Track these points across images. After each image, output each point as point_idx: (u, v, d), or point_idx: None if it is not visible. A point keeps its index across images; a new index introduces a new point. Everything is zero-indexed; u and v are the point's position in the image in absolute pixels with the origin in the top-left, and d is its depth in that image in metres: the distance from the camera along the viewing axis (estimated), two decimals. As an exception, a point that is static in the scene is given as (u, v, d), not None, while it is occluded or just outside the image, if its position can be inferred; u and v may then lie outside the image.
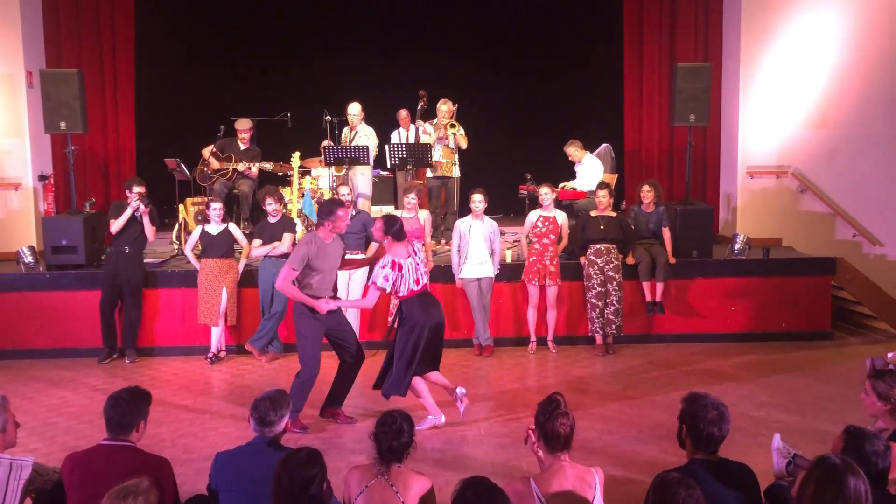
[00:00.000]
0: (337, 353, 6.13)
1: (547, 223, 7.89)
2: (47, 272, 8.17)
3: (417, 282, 5.81)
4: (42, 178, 9.69)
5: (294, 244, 7.90)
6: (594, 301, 7.88)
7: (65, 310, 8.04)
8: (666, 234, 8.24)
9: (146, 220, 7.75)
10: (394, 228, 5.81)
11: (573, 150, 9.42)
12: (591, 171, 9.35)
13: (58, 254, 8.18)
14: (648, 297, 8.11)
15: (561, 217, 8.00)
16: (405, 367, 5.75)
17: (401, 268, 5.71)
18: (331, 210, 5.90)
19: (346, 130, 9.34)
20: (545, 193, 7.93)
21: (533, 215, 7.99)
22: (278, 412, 3.68)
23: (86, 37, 10.19)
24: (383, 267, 5.69)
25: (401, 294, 5.78)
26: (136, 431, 3.65)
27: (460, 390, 5.94)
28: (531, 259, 7.90)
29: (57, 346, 7.99)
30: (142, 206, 7.68)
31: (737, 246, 8.71)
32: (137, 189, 7.75)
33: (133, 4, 10.38)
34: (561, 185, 9.14)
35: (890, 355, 6.89)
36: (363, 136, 9.28)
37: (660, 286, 8.06)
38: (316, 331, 5.88)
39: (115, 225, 7.72)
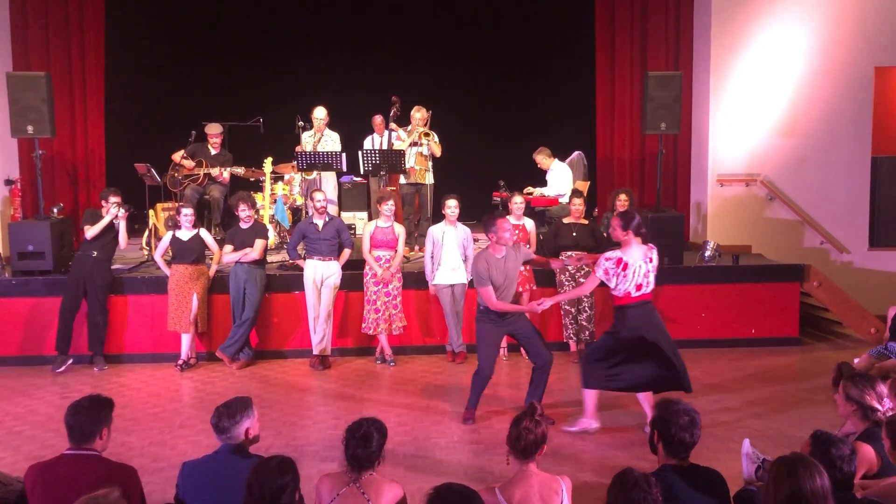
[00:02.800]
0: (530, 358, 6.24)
1: (517, 231, 7.92)
2: (13, 278, 8.03)
3: (639, 287, 5.65)
4: (9, 182, 9.53)
5: (266, 250, 7.86)
6: (567, 307, 7.92)
7: (31, 316, 7.90)
8: (637, 241, 8.29)
9: (122, 227, 7.70)
10: (633, 223, 5.73)
11: (541, 158, 9.50)
12: (559, 178, 9.42)
13: (24, 259, 8.03)
14: (620, 304, 8.15)
15: (530, 224, 8.05)
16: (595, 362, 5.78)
17: (626, 266, 5.61)
18: (491, 222, 5.90)
19: (307, 135, 9.32)
20: (518, 203, 7.97)
21: (503, 224, 8.01)
22: (233, 419, 3.60)
23: (54, 39, 10.04)
24: (608, 259, 5.65)
25: (617, 294, 5.70)
26: (100, 439, 3.58)
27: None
28: (504, 266, 7.90)
29: (22, 354, 7.85)
30: (121, 212, 7.63)
31: (707, 253, 8.80)
32: (115, 199, 7.69)
33: (103, 7, 10.26)
34: (527, 191, 9.17)
35: (857, 361, 7.02)
36: (330, 140, 9.28)
37: (631, 293, 8.10)
38: (493, 335, 6.04)
39: (92, 231, 7.60)
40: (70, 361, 7.67)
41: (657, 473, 3.37)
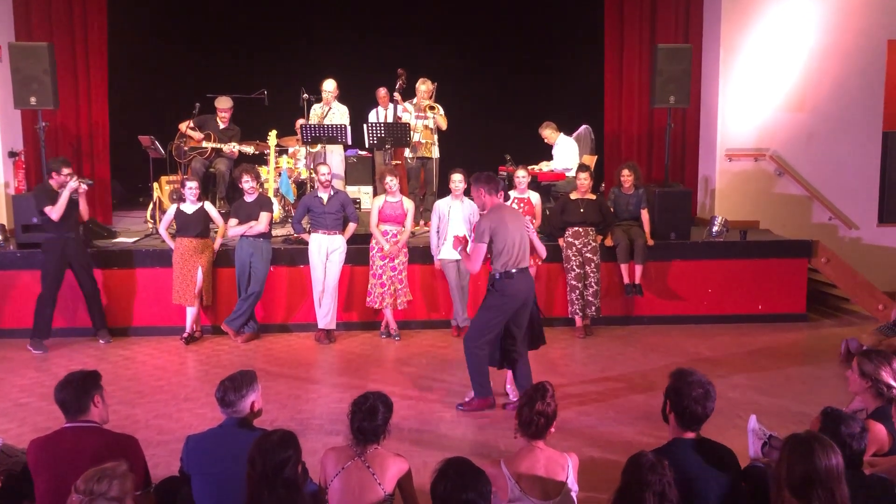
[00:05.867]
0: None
1: (522, 204, 7.87)
2: (18, 251, 8.02)
3: None
4: (12, 154, 9.47)
5: (271, 223, 7.83)
6: (573, 283, 7.89)
7: (36, 289, 7.87)
8: (644, 216, 8.25)
9: (83, 200, 7.36)
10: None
11: (548, 132, 9.43)
12: (565, 152, 9.35)
13: (28, 232, 8.01)
14: (626, 280, 8.13)
15: (535, 198, 7.99)
16: None
17: None
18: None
19: (317, 107, 9.24)
20: (522, 176, 7.90)
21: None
22: (238, 392, 3.58)
23: (56, 9, 9.91)
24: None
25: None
26: (95, 407, 3.56)
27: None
28: (510, 241, 7.86)
29: (28, 326, 7.84)
30: (83, 185, 7.31)
31: (714, 228, 8.74)
32: (67, 170, 7.32)
33: (105, -24, 10.14)
34: (532, 167, 9.09)
35: (864, 336, 6.99)
36: (338, 113, 9.19)
37: (638, 268, 8.08)
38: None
39: (56, 211, 7.17)
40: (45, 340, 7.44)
41: (668, 448, 3.35)
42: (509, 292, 5.58)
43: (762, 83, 9.83)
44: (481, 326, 5.69)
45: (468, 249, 5.71)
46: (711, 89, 10.10)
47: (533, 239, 5.92)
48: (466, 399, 5.90)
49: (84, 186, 7.34)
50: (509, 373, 5.94)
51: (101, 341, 7.70)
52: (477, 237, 5.60)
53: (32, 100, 8.25)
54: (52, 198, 7.27)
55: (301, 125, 8.93)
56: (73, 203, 7.31)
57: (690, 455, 3.32)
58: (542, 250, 6.20)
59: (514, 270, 5.57)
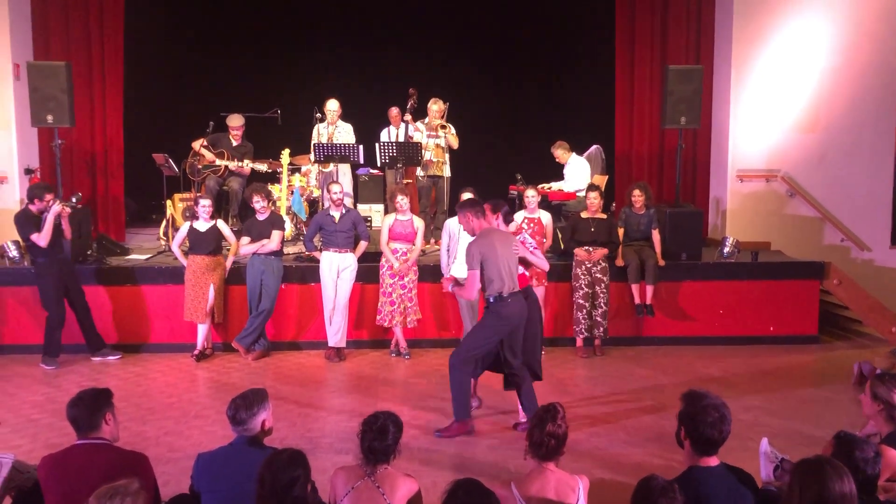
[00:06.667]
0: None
1: (532, 224, 7.88)
2: (32, 267, 8.07)
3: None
4: (28, 171, 9.57)
5: (283, 241, 7.87)
6: (580, 302, 7.88)
7: (49, 305, 7.94)
8: (655, 236, 8.25)
9: (65, 221, 7.39)
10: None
11: (560, 152, 9.47)
12: (577, 172, 9.38)
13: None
14: (637, 300, 8.11)
15: (546, 218, 7.99)
16: None
17: None
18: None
19: (321, 126, 9.33)
20: (531, 196, 7.92)
21: (518, 217, 7.98)
22: (249, 410, 3.58)
23: (74, 29, 10.07)
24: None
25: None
26: (107, 425, 3.58)
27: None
28: (520, 261, 7.86)
29: (41, 343, 7.89)
30: (66, 208, 7.36)
31: (726, 249, 8.72)
32: (49, 195, 7.33)
33: (122, -3, 10.29)
34: (541, 186, 9.11)
35: (876, 360, 6.94)
36: (344, 131, 9.29)
37: (650, 289, 8.06)
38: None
39: (44, 238, 7.21)
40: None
41: (685, 476, 3.27)
42: (504, 314, 5.59)
43: (774, 104, 9.84)
44: (471, 344, 5.71)
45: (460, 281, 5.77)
46: (722, 110, 10.11)
47: (527, 256, 5.89)
48: (445, 425, 5.84)
49: (68, 209, 7.40)
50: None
51: (109, 358, 7.71)
52: (469, 264, 5.62)
53: (49, 118, 8.36)
54: (36, 224, 7.28)
55: (315, 144, 9.02)
56: (56, 226, 7.33)
57: (708, 482, 3.22)
58: (544, 263, 6.18)
59: (506, 295, 5.58)
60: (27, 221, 7.30)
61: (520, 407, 5.96)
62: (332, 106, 9.34)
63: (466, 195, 7.66)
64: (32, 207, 7.33)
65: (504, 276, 5.56)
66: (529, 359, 5.84)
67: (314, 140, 9.26)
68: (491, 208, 5.89)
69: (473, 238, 5.73)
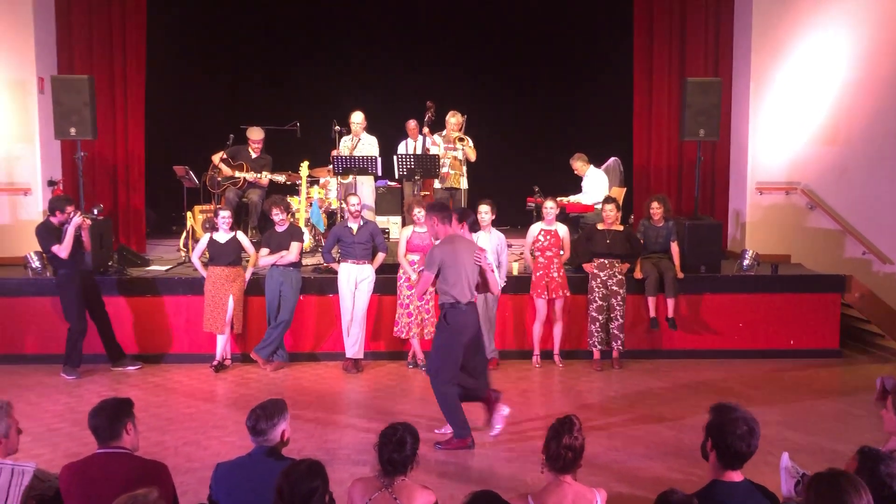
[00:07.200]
0: None
1: (548, 237, 7.87)
2: (54, 278, 8.16)
3: None
4: (51, 183, 9.70)
5: (301, 253, 7.91)
6: (594, 314, 7.85)
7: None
8: (674, 248, 8.21)
9: (85, 233, 7.51)
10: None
11: (579, 164, 9.48)
12: (595, 184, 9.37)
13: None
14: (652, 313, 8.06)
15: (563, 230, 7.97)
16: None
17: None
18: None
19: (346, 139, 9.38)
20: (550, 208, 7.91)
21: (534, 229, 7.97)
22: (270, 421, 3.59)
23: (97, 43, 10.21)
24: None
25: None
26: (127, 434, 3.60)
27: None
28: (538, 273, 7.86)
29: (62, 352, 7.97)
30: (87, 220, 7.50)
31: (745, 262, 8.66)
32: (70, 207, 7.45)
33: (144, 11, 10.41)
34: (561, 198, 9.10)
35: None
36: (367, 144, 9.31)
37: (671, 302, 8.02)
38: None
39: (65, 249, 7.29)
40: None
41: (706, 491, 3.21)
42: (460, 324, 5.62)
43: (794, 116, 9.77)
44: (440, 365, 5.70)
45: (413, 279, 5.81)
46: (742, 122, 10.06)
47: (487, 273, 5.85)
48: (445, 438, 5.83)
49: (88, 221, 7.51)
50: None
51: (129, 368, 7.78)
52: (427, 266, 5.68)
53: (72, 131, 8.48)
54: (57, 236, 7.37)
55: (334, 156, 9.08)
56: (77, 237, 7.43)
57: (735, 500, 3.15)
58: (496, 286, 6.13)
59: (463, 304, 5.60)
60: (48, 233, 7.39)
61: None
62: (357, 118, 9.34)
63: (483, 207, 7.69)
64: (53, 219, 7.43)
65: (463, 284, 5.61)
66: (478, 373, 5.88)
67: (340, 152, 9.31)
68: (458, 217, 5.95)
69: (437, 242, 5.80)
